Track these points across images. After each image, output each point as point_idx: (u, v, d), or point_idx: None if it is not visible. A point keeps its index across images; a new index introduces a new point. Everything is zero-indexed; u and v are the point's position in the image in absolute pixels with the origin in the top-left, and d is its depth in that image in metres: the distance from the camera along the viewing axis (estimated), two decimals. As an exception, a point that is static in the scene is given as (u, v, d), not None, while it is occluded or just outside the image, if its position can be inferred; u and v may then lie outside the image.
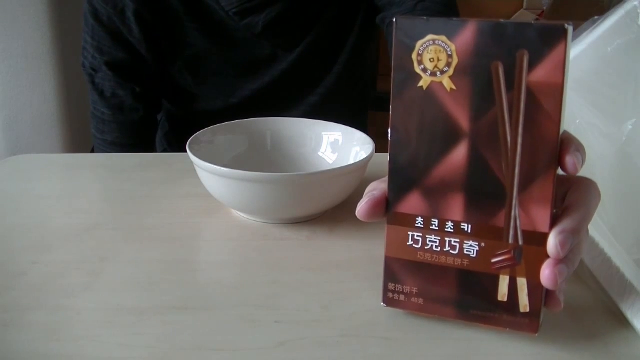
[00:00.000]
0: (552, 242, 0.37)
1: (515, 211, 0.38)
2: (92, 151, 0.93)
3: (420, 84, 0.38)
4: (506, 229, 0.38)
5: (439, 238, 0.40)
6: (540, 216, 0.37)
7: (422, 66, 0.38)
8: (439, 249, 0.40)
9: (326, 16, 0.86)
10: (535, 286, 0.38)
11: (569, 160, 0.36)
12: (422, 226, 0.40)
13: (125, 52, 0.83)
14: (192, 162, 0.55)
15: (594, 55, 0.53)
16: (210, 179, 0.54)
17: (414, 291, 0.42)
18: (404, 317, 0.43)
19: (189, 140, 0.58)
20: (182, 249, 0.53)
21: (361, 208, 0.41)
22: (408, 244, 0.41)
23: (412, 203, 0.40)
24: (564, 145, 0.37)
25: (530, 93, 0.36)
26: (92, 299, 0.45)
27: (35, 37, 1.42)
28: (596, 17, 0.55)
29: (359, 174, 0.56)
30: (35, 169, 0.71)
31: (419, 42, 0.38)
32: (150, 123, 0.90)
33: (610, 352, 0.40)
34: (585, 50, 0.53)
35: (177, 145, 0.97)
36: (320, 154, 0.66)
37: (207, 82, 0.88)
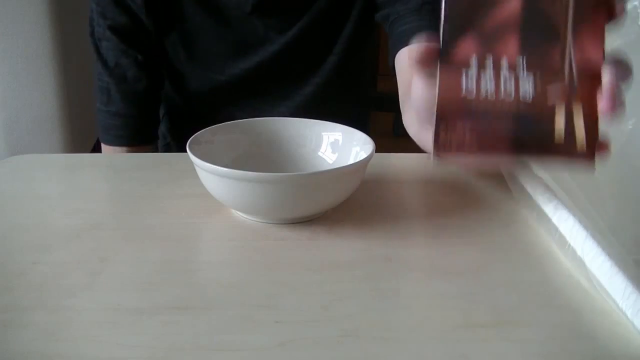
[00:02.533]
0: (608, 73, 0.38)
1: (570, 49, 0.38)
2: (92, 151, 0.94)
3: None
4: (561, 66, 0.39)
5: (494, 81, 0.40)
6: (594, 52, 0.38)
7: None
8: (494, 96, 0.40)
9: (319, 2, 0.87)
10: (591, 123, 0.39)
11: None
12: (477, 65, 0.40)
13: (127, 16, 0.86)
14: (192, 162, 0.55)
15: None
16: (210, 179, 0.54)
17: (467, 137, 0.41)
18: (404, 317, 0.43)
19: (189, 140, 0.58)
20: (182, 249, 0.53)
21: (415, 51, 0.41)
22: (462, 86, 0.41)
23: (467, 47, 0.40)
24: None
25: None
26: (92, 299, 0.45)
27: (35, 37, 1.42)
28: (596, 17, 0.55)
29: (359, 174, 0.56)
30: (35, 169, 0.71)
31: None
32: (153, 95, 0.92)
33: (610, 352, 0.40)
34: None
35: (177, 141, 0.98)
36: (320, 154, 0.66)
37: (198, 57, 0.90)
